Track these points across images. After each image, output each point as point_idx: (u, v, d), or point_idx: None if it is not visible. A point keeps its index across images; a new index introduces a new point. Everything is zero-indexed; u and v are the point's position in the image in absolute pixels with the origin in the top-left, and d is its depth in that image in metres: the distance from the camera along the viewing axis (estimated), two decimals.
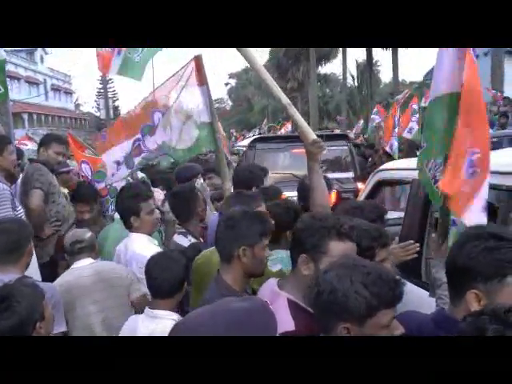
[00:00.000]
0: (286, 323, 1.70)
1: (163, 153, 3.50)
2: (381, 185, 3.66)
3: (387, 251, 2.07)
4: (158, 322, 2.30)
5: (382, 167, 3.79)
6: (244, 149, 7.88)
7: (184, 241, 3.15)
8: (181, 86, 3.35)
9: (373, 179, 3.62)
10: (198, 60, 3.31)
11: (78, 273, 2.93)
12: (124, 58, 3.13)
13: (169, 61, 19.55)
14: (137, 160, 3.50)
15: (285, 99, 2.64)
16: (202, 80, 3.32)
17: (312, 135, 2.51)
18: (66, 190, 5.04)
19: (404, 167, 3.32)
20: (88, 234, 3.05)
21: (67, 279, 2.93)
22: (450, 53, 2.07)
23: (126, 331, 2.48)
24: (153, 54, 3.23)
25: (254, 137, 9.39)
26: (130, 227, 3.16)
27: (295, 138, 8.07)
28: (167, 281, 2.37)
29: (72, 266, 3.01)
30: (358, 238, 1.93)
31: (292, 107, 2.63)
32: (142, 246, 2.97)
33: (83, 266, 2.96)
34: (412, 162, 2.88)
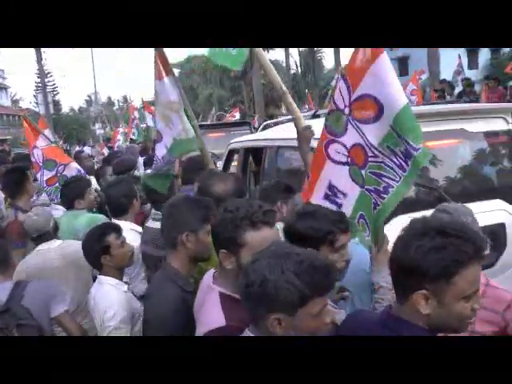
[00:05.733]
0: (216, 319, 1.70)
1: (170, 158, 3.43)
2: (232, 153, 5.25)
3: (347, 237, 2.04)
4: (100, 287, 2.68)
5: (232, 140, 5.33)
6: None
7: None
8: (154, 80, 3.37)
9: (226, 150, 5.29)
10: (160, 53, 3.35)
11: (46, 255, 3.15)
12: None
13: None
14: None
15: (284, 88, 2.87)
16: (168, 70, 3.34)
17: (303, 122, 2.79)
18: None
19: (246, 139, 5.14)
20: (51, 223, 3.20)
21: (35, 262, 3.14)
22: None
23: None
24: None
25: None
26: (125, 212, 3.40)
27: (210, 125, 10.53)
28: (87, 258, 2.76)
29: (38, 248, 3.22)
30: (318, 223, 1.94)
31: (288, 96, 2.85)
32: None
33: (50, 248, 3.18)
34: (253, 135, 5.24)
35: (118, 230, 2.79)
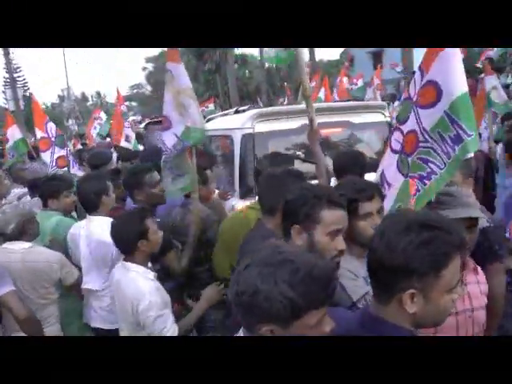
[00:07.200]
0: None
1: (185, 144, 3.18)
2: None
3: (372, 205, 2.08)
4: (126, 273, 2.60)
5: None
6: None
7: None
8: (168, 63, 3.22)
9: None
10: None
11: (11, 256, 2.99)
12: None
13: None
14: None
15: (310, 92, 3.16)
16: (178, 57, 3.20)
17: (316, 123, 3.06)
18: None
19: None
20: (11, 225, 3.02)
21: (1, 259, 2.97)
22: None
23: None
24: None
25: (148, 121, 12.54)
26: (96, 208, 3.25)
27: None
28: (119, 242, 2.66)
29: (4, 246, 3.07)
30: (344, 191, 2.05)
31: (310, 99, 3.09)
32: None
33: (15, 249, 3.03)
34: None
35: (153, 214, 2.74)
